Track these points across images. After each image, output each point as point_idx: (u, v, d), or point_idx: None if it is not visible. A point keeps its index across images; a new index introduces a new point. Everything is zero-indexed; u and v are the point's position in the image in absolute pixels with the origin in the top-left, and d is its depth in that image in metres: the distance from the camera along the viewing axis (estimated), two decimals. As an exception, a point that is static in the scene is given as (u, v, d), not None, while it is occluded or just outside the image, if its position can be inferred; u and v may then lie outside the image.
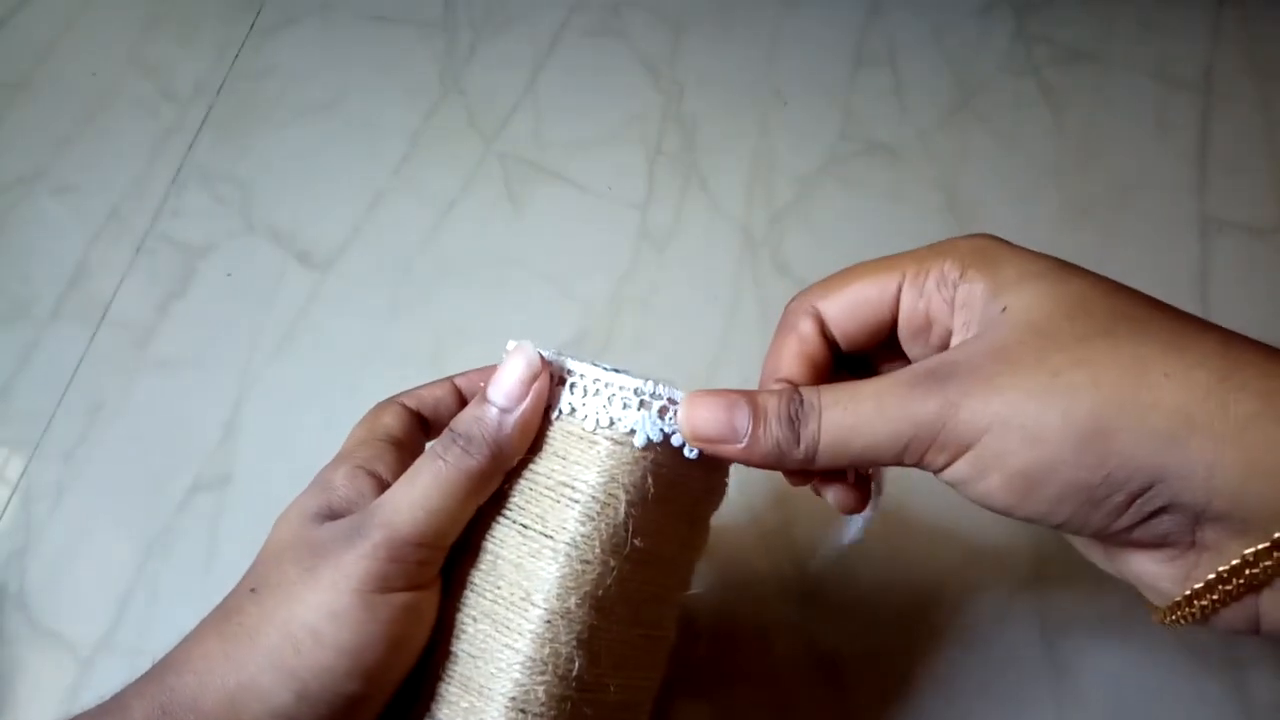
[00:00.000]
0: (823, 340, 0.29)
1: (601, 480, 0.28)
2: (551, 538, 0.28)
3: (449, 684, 0.29)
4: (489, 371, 0.34)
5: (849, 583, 0.43)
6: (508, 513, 0.29)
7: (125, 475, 0.48)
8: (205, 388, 0.50)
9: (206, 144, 0.58)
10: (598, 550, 0.28)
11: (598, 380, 0.29)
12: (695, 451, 0.28)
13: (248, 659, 0.26)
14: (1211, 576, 0.23)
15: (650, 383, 0.28)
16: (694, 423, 0.27)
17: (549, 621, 0.27)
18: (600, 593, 0.28)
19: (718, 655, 0.41)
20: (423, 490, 0.27)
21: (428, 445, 0.32)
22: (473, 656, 0.28)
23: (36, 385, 0.51)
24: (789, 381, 0.28)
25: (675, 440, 0.28)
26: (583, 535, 0.28)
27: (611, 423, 0.28)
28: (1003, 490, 0.24)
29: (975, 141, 0.54)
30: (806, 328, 0.29)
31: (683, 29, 0.59)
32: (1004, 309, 0.25)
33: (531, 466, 0.29)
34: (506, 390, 0.28)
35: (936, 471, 0.26)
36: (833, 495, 0.30)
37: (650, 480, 0.28)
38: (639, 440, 0.28)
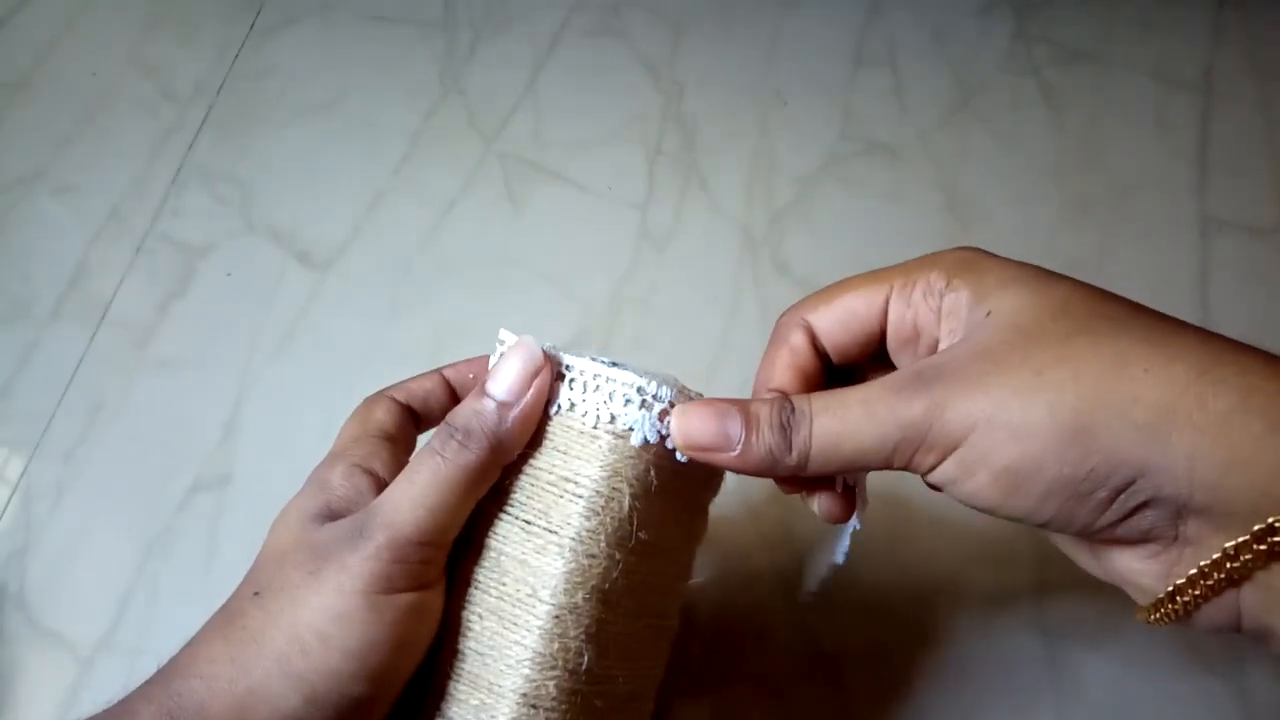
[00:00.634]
0: (813, 352, 0.29)
1: (604, 475, 0.28)
2: (556, 533, 0.28)
3: (458, 682, 0.29)
4: (478, 363, 0.33)
5: (849, 581, 0.43)
6: (509, 509, 0.29)
7: (125, 475, 0.48)
8: (205, 388, 0.50)
9: (206, 144, 0.58)
10: (603, 544, 0.28)
11: (598, 376, 0.29)
12: (685, 457, 0.28)
13: (254, 664, 0.26)
14: (1194, 571, 0.24)
15: (652, 382, 0.28)
16: (687, 432, 0.27)
17: (557, 617, 0.28)
18: (607, 586, 0.28)
19: (717, 653, 0.41)
20: (422, 488, 0.27)
21: (421, 439, 0.32)
22: (481, 654, 0.28)
23: (36, 385, 0.51)
24: (780, 392, 0.29)
25: (669, 443, 0.28)
26: (588, 530, 0.28)
27: (612, 418, 0.28)
28: (989, 488, 0.24)
29: (975, 141, 0.54)
30: (798, 340, 0.29)
31: (683, 29, 0.59)
32: (988, 313, 0.25)
33: (532, 462, 0.29)
34: (508, 385, 0.28)
35: (925, 473, 0.26)
36: (819, 504, 0.30)
37: (653, 473, 0.28)
38: (636, 439, 0.28)
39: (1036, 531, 0.27)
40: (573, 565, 0.28)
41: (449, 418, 0.29)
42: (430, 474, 0.27)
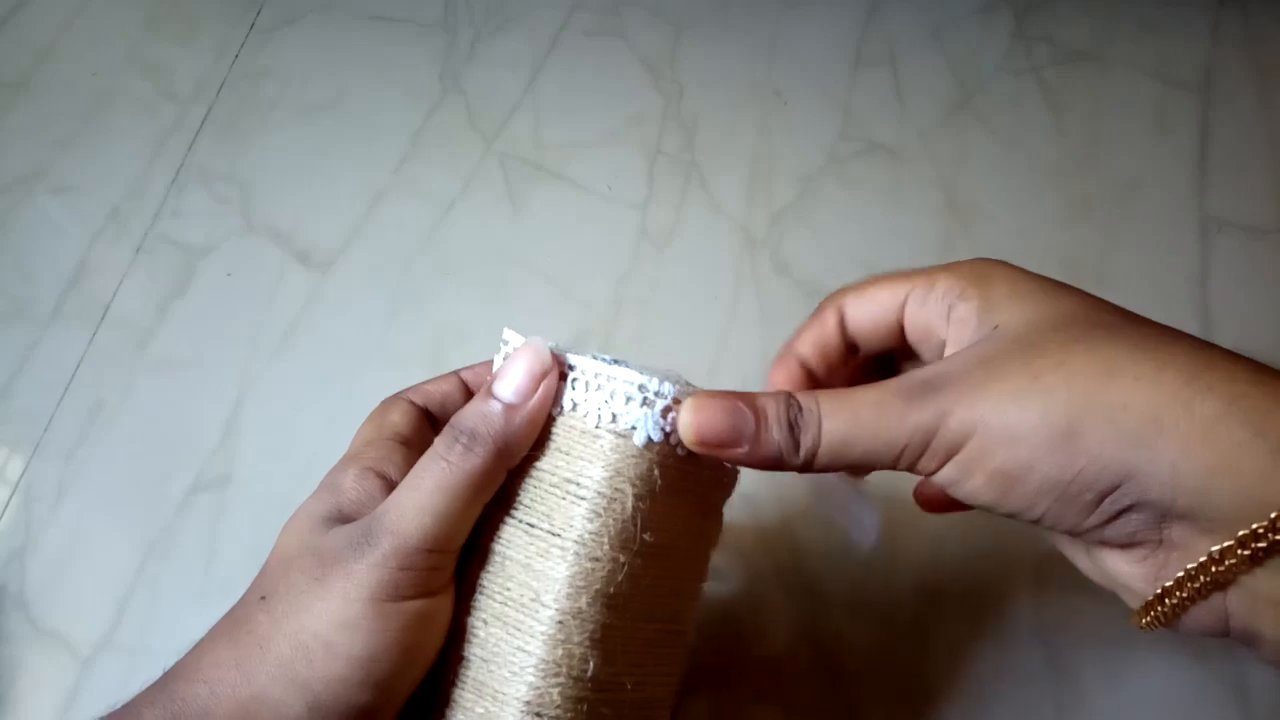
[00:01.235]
0: (840, 335, 0.31)
1: (606, 475, 0.28)
2: (559, 536, 0.28)
3: (463, 689, 0.28)
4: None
5: (850, 581, 0.43)
6: (514, 512, 0.29)
7: (125, 475, 0.48)
8: (205, 388, 0.50)
9: (206, 144, 0.58)
10: (606, 547, 0.27)
11: (599, 375, 0.28)
12: (684, 451, 0.28)
13: (259, 669, 0.26)
14: (1180, 574, 0.24)
15: (654, 379, 0.28)
16: (697, 427, 0.27)
17: (560, 622, 0.27)
18: (612, 590, 0.28)
19: (718, 654, 0.41)
20: (428, 494, 0.27)
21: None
22: (485, 660, 0.28)
23: (36, 385, 0.51)
24: (799, 359, 0.31)
25: (674, 440, 0.28)
26: (590, 532, 0.27)
27: (614, 418, 0.28)
28: (985, 488, 0.25)
29: (975, 141, 0.54)
30: (829, 320, 0.31)
31: (683, 29, 0.59)
32: (995, 326, 0.26)
33: (536, 464, 0.29)
34: (516, 386, 0.28)
35: (928, 476, 0.26)
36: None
37: (657, 473, 0.28)
38: (639, 439, 0.28)
39: (1036, 532, 0.27)
40: (576, 569, 0.27)
41: (454, 420, 0.28)
42: (435, 480, 0.27)
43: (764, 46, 0.58)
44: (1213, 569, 0.23)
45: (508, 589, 0.28)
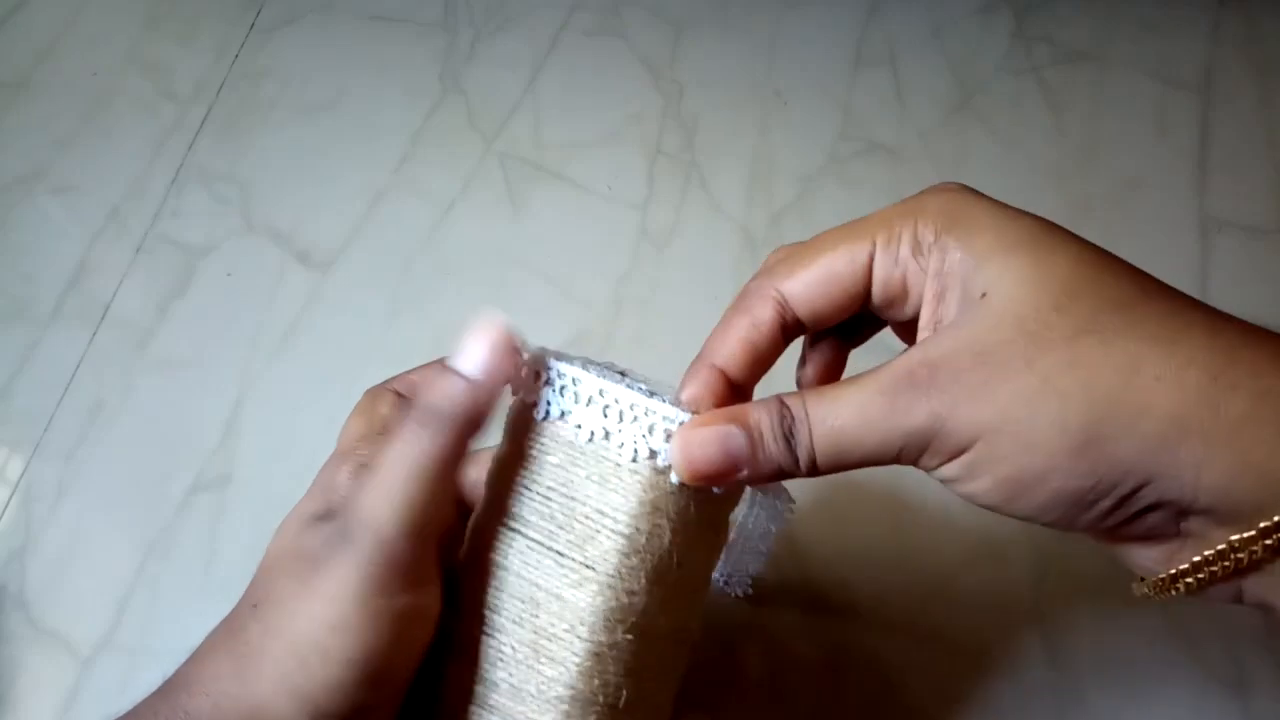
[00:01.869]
0: (777, 329, 0.28)
1: (645, 511, 0.27)
2: (593, 569, 0.27)
3: (490, 714, 0.28)
4: None
5: (849, 585, 0.43)
6: (541, 539, 0.28)
7: (125, 475, 0.48)
8: (205, 388, 0.50)
9: (206, 144, 0.58)
10: (643, 581, 0.27)
11: (635, 406, 0.27)
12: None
13: (258, 682, 0.25)
14: (1197, 559, 0.23)
15: (692, 415, 0.27)
16: (690, 459, 0.26)
17: (597, 654, 0.27)
18: (645, 621, 0.27)
19: (716, 658, 0.41)
20: (400, 482, 0.26)
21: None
22: (515, 688, 0.27)
23: (36, 385, 0.51)
24: (723, 371, 0.27)
25: None
26: (628, 568, 0.27)
27: (652, 454, 0.27)
28: (991, 492, 0.24)
29: (975, 141, 0.54)
30: (763, 314, 0.27)
31: (683, 29, 0.59)
32: (984, 294, 0.24)
33: (565, 491, 0.28)
34: (476, 360, 0.27)
35: (927, 470, 0.25)
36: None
37: (693, 507, 0.27)
38: (676, 476, 0.27)
39: (1037, 531, 0.27)
40: (614, 604, 0.27)
41: (417, 398, 0.27)
42: (402, 466, 0.26)
43: (764, 46, 0.58)
44: (1232, 555, 0.23)
45: (537, 617, 0.27)
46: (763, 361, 0.28)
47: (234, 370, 0.50)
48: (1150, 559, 0.25)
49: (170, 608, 0.45)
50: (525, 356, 0.28)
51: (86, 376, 0.51)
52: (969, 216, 0.25)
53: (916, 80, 0.56)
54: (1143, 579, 0.25)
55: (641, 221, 0.53)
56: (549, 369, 0.28)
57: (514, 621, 0.28)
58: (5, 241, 0.55)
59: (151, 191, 0.56)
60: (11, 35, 0.63)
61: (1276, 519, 0.22)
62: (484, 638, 0.28)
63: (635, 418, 0.27)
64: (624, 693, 0.27)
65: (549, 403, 0.28)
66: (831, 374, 0.31)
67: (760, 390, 0.28)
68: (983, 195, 0.26)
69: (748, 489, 0.33)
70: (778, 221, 0.52)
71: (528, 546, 0.28)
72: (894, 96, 0.56)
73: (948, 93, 0.56)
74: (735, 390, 0.28)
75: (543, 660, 0.27)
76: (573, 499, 0.27)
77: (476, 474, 0.31)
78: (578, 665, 0.27)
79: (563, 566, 0.27)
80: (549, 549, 0.28)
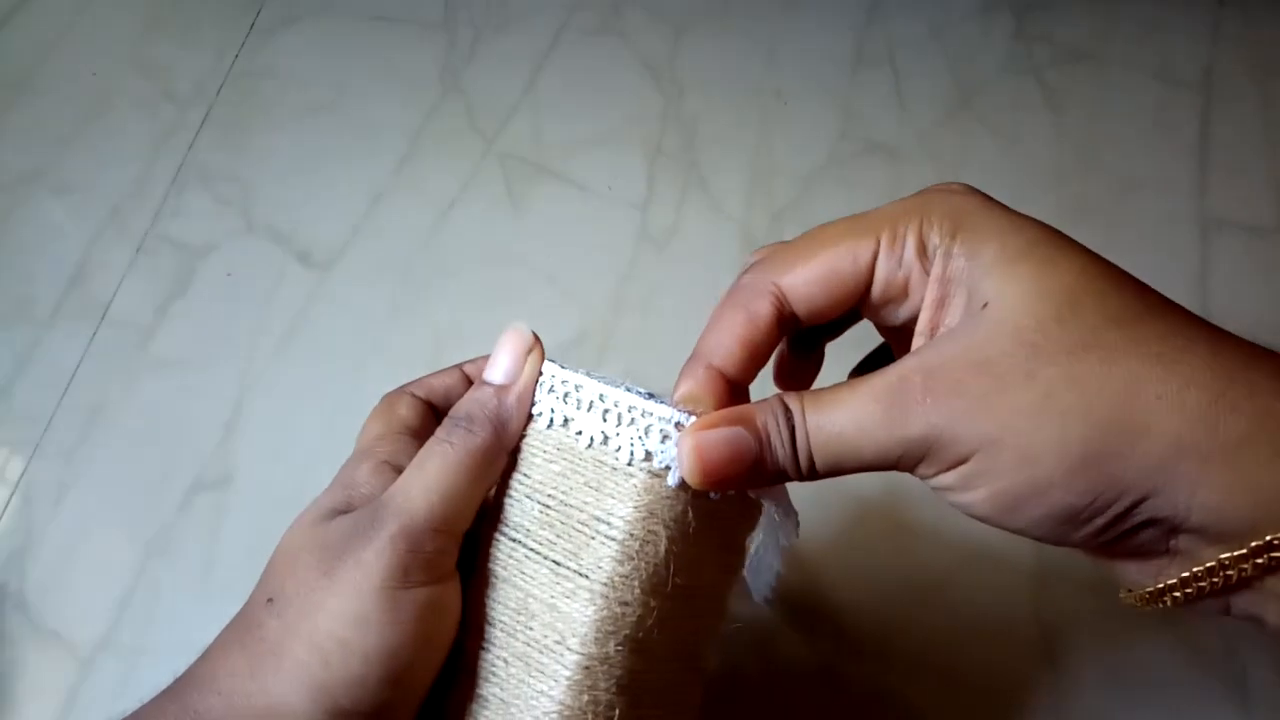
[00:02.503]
0: (774, 328, 0.27)
1: (639, 516, 0.26)
2: (587, 577, 0.26)
3: None
4: None
5: (848, 587, 0.43)
6: (538, 547, 0.27)
7: (125, 475, 0.48)
8: (205, 388, 0.50)
9: (206, 144, 0.58)
10: (637, 591, 0.26)
11: (633, 409, 0.26)
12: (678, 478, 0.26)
13: (274, 678, 0.25)
14: (1186, 575, 0.23)
15: (691, 416, 0.26)
16: (705, 460, 0.25)
17: (587, 668, 0.26)
18: (640, 635, 0.26)
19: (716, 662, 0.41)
20: (434, 475, 0.27)
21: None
22: (505, 702, 0.27)
23: (36, 385, 0.51)
24: (719, 369, 0.27)
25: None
26: (621, 576, 0.26)
27: (648, 455, 0.26)
28: (986, 504, 0.24)
29: (975, 141, 0.54)
30: (761, 309, 0.27)
31: (683, 29, 0.59)
32: (985, 304, 0.24)
33: (562, 498, 0.27)
34: (503, 368, 0.28)
35: (923, 478, 0.25)
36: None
37: (691, 515, 0.26)
38: (673, 479, 0.26)
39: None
40: (605, 613, 0.26)
41: (452, 410, 0.28)
42: (439, 461, 0.27)
43: (764, 46, 0.58)
44: (1222, 573, 0.23)
45: (530, 629, 0.27)
46: (760, 358, 0.27)
47: (234, 370, 0.50)
48: (1138, 573, 0.25)
49: (170, 608, 0.45)
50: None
51: (86, 376, 0.51)
52: (975, 222, 0.25)
53: (916, 80, 0.56)
54: (1130, 590, 0.25)
55: (641, 221, 0.53)
56: (551, 376, 0.28)
57: (508, 633, 0.27)
58: (5, 241, 0.55)
59: (152, 191, 0.56)
60: (12, 35, 0.63)
61: (1269, 538, 0.22)
62: (481, 651, 0.28)
63: (633, 420, 0.26)
64: (616, 711, 0.26)
65: (551, 410, 0.28)
66: (811, 368, 0.31)
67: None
68: (988, 198, 0.26)
69: (764, 511, 0.32)
70: (778, 221, 0.52)
71: (525, 556, 0.28)
72: (894, 96, 0.56)
73: (948, 93, 0.56)
74: (733, 388, 0.27)
75: (533, 673, 0.26)
76: (570, 506, 0.27)
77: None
78: (567, 679, 0.26)
79: (558, 576, 0.27)
80: (545, 558, 0.27)
